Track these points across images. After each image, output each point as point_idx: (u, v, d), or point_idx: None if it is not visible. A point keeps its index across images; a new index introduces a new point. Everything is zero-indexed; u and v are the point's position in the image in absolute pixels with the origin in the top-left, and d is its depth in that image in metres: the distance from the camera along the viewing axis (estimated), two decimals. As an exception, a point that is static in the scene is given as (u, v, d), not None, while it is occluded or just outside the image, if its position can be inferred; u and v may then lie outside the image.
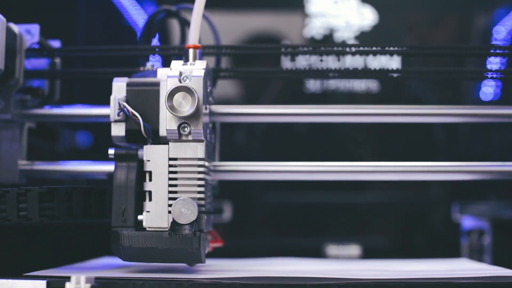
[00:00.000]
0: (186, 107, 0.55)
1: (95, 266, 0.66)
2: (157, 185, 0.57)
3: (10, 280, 0.50)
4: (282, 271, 0.62)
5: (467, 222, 0.91)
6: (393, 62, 0.96)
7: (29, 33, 0.66)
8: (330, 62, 0.96)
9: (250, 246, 0.92)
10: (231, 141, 0.99)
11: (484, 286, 0.49)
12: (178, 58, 0.66)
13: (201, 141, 0.57)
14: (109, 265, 0.65)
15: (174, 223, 0.55)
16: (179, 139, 0.57)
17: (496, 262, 0.70)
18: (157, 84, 0.59)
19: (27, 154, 0.69)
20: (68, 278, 0.49)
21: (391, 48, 0.68)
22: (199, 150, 0.57)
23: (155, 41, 0.71)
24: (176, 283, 0.49)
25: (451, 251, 0.89)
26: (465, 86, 1.01)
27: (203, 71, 0.57)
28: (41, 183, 0.59)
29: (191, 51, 0.60)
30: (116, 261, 0.57)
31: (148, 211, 0.56)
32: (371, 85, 0.98)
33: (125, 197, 0.57)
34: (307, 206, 0.98)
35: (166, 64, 0.69)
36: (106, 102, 0.59)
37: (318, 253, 0.91)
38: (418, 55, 0.69)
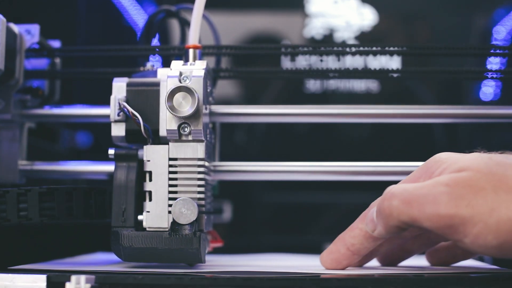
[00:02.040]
0: (186, 107, 0.55)
1: (95, 261, 0.66)
2: (157, 185, 0.57)
3: (10, 275, 0.50)
4: (283, 266, 0.62)
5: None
6: (393, 62, 0.96)
7: (29, 33, 0.66)
8: (330, 62, 0.96)
9: (250, 246, 0.92)
10: (231, 141, 0.99)
11: (483, 279, 0.49)
12: (178, 58, 0.66)
13: (201, 141, 0.57)
14: (110, 261, 0.66)
15: (174, 223, 0.55)
16: (179, 139, 0.57)
17: (495, 262, 0.70)
18: (157, 84, 0.59)
19: (27, 154, 0.69)
20: (68, 273, 0.49)
21: (391, 48, 0.68)
22: (199, 150, 0.57)
23: (155, 41, 0.71)
24: (176, 277, 0.49)
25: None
26: (465, 86, 1.01)
27: (203, 71, 0.57)
28: (41, 183, 0.59)
29: (191, 51, 0.60)
30: (116, 257, 0.57)
31: (148, 211, 0.56)
32: (371, 85, 0.98)
33: (125, 197, 0.57)
34: (307, 206, 0.98)
35: (166, 64, 0.69)
36: (106, 102, 0.59)
37: (318, 252, 0.91)
38: (418, 55, 0.69)
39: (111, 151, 0.58)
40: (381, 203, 0.51)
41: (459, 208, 0.47)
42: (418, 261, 0.65)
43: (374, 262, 0.62)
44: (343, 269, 0.56)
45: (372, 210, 0.53)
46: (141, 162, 0.58)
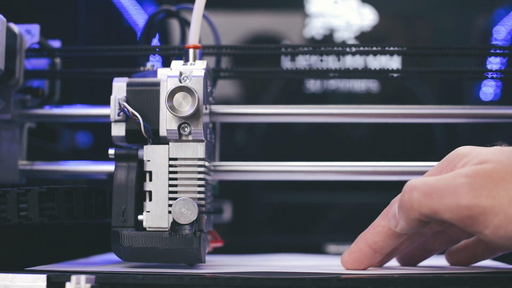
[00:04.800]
0: (186, 107, 0.55)
1: (95, 261, 0.66)
2: (157, 185, 0.57)
3: (10, 274, 0.50)
4: (283, 266, 0.62)
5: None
6: (393, 62, 0.96)
7: (29, 33, 0.66)
8: (330, 62, 0.96)
9: (250, 246, 0.92)
10: (231, 141, 0.99)
11: (484, 280, 0.49)
12: (178, 58, 0.66)
13: (201, 141, 0.57)
14: (110, 261, 0.66)
15: (174, 223, 0.55)
16: (179, 139, 0.57)
17: (496, 258, 0.70)
18: (157, 84, 0.59)
19: (27, 154, 0.69)
20: (68, 273, 0.49)
21: (391, 48, 0.68)
22: (199, 150, 0.57)
23: (155, 41, 0.71)
24: (176, 277, 0.49)
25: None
26: (465, 86, 1.01)
27: (203, 71, 0.57)
28: (41, 183, 0.59)
29: (191, 51, 0.60)
30: (116, 257, 0.57)
31: (148, 211, 0.56)
32: (371, 85, 0.98)
33: (125, 197, 0.57)
34: (307, 206, 0.98)
35: (166, 64, 0.69)
36: (106, 102, 0.59)
37: (318, 252, 0.91)
38: (418, 55, 0.69)
39: (111, 151, 0.58)
40: (402, 197, 0.51)
41: (480, 198, 0.47)
42: (438, 261, 0.65)
43: (393, 262, 0.62)
44: (365, 269, 0.56)
45: (394, 206, 0.53)
46: (141, 162, 0.58)
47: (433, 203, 0.48)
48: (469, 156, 0.50)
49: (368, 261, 0.55)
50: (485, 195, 0.46)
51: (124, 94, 0.58)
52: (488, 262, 0.65)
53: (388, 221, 0.54)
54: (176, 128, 0.56)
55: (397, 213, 0.52)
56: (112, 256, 0.70)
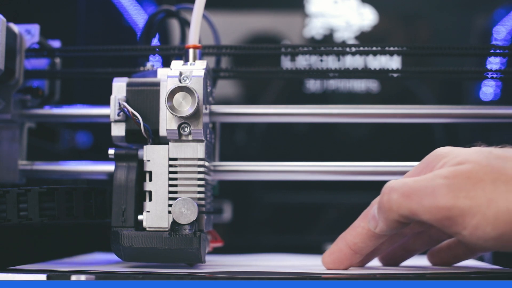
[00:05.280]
0: (186, 107, 0.55)
1: (95, 260, 0.66)
2: (157, 185, 0.57)
3: (10, 275, 0.50)
4: (282, 266, 0.62)
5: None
6: (393, 62, 0.96)
7: (29, 33, 0.66)
8: (330, 62, 0.96)
9: (250, 246, 0.92)
10: (231, 141, 0.99)
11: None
12: (178, 58, 0.66)
13: (201, 141, 0.57)
14: (110, 261, 0.66)
15: (174, 223, 0.55)
16: (179, 139, 0.57)
17: (496, 262, 0.70)
18: (157, 84, 0.59)
19: (27, 154, 0.69)
20: (68, 273, 0.49)
21: (391, 48, 0.68)
22: (199, 150, 0.57)
23: (155, 41, 0.71)
24: (176, 277, 0.49)
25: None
26: (465, 86, 1.01)
27: (203, 71, 0.57)
28: (41, 183, 0.59)
29: (191, 51, 0.60)
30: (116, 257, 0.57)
31: (148, 211, 0.56)
32: (371, 85, 0.98)
33: (125, 197, 0.57)
34: (307, 206, 0.98)
35: (166, 64, 0.69)
36: (106, 102, 0.59)
37: (318, 252, 0.91)
38: (418, 55, 0.69)
39: (111, 151, 0.58)
40: (381, 198, 0.51)
41: (458, 199, 0.47)
42: (420, 261, 0.65)
43: (375, 262, 0.62)
44: (345, 269, 0.56)
45: (374, 207, 0.53)
46: (141, 162, 0.58)
47: (412, 204, 0.49)
48: (448, 157, 0.50)
49: (348, 262, 0.56)
50: (463, 196, 0.47)
51: (124, 94, 0.58)
52: (470, 262, 0.65)
53: (367, 222, 0.54)
54: (176, 128, 0.56)
55: (377, 214, 0.52)
56: (112, 256, 0.70)
